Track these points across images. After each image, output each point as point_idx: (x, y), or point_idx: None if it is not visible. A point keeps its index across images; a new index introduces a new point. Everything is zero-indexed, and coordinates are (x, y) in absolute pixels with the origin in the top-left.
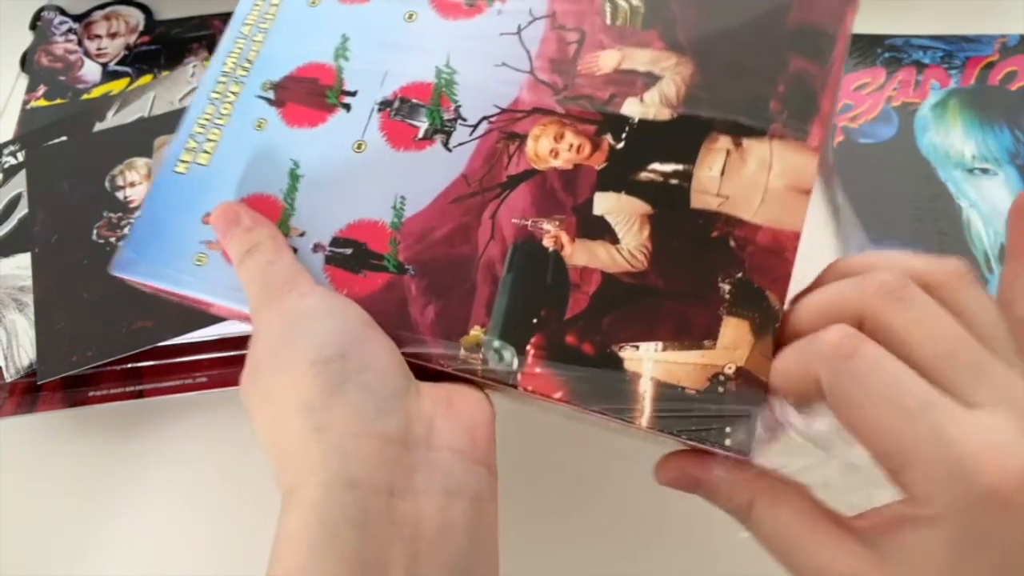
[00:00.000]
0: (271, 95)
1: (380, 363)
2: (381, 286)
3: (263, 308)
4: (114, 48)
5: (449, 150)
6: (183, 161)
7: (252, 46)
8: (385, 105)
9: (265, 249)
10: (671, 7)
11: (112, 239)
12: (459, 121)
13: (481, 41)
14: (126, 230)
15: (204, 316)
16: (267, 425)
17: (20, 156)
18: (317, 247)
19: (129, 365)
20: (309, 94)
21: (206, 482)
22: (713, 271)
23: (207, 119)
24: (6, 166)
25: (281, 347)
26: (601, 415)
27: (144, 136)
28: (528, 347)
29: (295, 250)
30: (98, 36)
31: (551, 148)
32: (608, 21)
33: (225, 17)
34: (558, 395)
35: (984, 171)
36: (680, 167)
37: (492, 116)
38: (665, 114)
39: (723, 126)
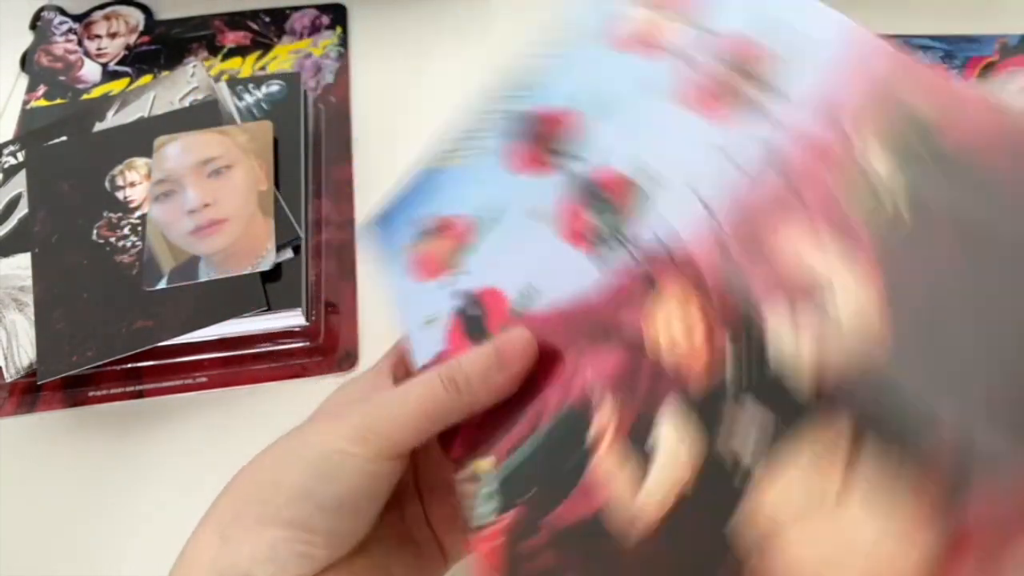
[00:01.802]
0: (515, 126)
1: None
2: None
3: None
4: (114, 48)
5: (598, 266)
6: (440, 157)
7: (528, 75)
8: (578, 182)
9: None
10: (938, 240)
11: (112, 239)
12: (630, 243)
13: (692, 148)
14: (125, 228)
15: (204, 316)
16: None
17: (20, 156)
18: (460, 293)
19: (129, 365)
20: (538, 139)
21: (206, 482)
22: None
23: (469, 132)
24: (6, 166)
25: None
26: None
27: (144, 136)
28: (509, 513)
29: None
30: (98, 36)
31: (668, 330)
32: (844, 203)
33: (225, 17)
34: None
35: None
36: (752, 461)
37: (653, 248)
38: (806, 371)
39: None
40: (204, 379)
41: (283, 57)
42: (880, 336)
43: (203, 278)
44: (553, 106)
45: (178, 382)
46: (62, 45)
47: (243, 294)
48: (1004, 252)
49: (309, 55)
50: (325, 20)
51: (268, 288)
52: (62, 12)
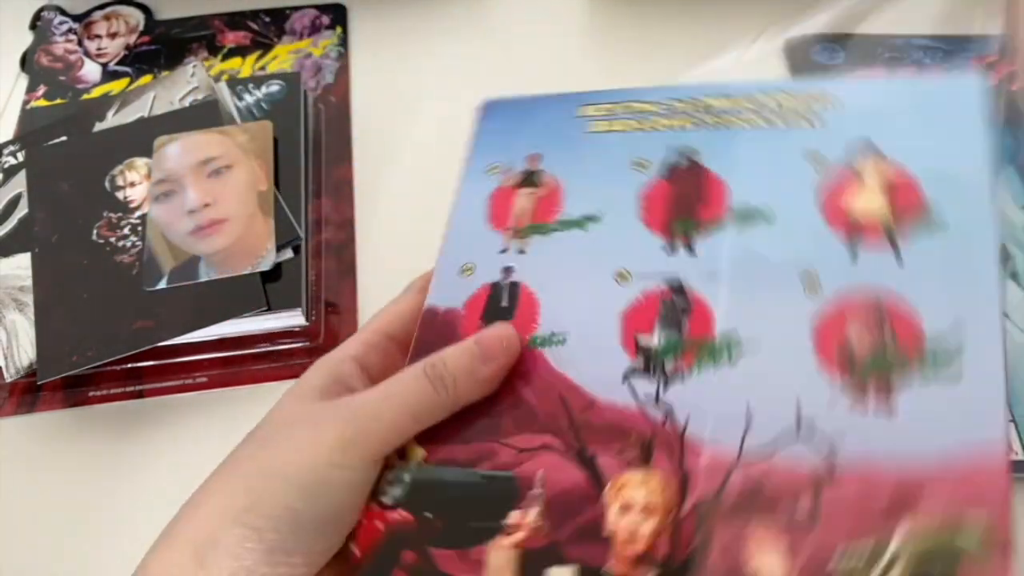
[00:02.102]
0: (678, 161)
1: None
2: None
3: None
4: (114, 48)
5: (622, 380)
6: (598, 108)
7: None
8: (675, 282)
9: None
10: None
11: (112, 239)
12: (664, 389)
13: (786, 384)
14: (125, 228)
15: (204, 316)
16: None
17: (20, 156)
18: (509, 270)
19: (129, 365)
20: (683, 199)
21: None
22: None
23: (643, 115)
24: (6, 166)
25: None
26: None
27: (144, 136)
28: (401, 511)
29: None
30: (98, 36)
31: (631, 497)
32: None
33: (225, 17)
34: (357, 552)
35: None
36: None
37: (673, 419)
38: None
39: None
40: (204, 379)
41: (283, 57)
42: None
43: (203, 278)
44: (721, 173)
45: (178, 382)
46: (62, 45)
47: (243, 294)
48: None
49: (309, 55)
50: (325, 20)
51: (268, 288)
52: (62, 12)
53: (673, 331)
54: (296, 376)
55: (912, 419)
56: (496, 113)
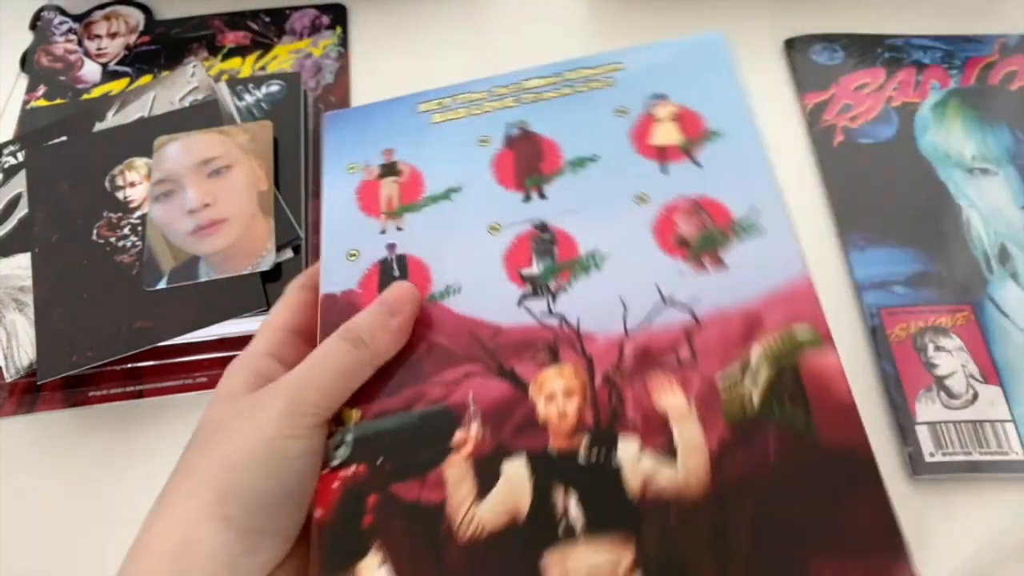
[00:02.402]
0: (515, 134)
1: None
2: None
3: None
4: (114, 48)
5: (518, 303)
6: (434, 103)
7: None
8: (538, 220)
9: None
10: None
11: (112, 239)
12: (554, 300)
13: (641, 267)
14: (125, 228)
15: (204, 316)
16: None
17: (20, 156)
18: (391, 246)
19: (129, 365)
20: (526, 158)
21: None
22: None
23: (474, 102)
24: (6, 166)
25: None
26: None
27: (144, 136)
28: (352, 467)
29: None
30: (98, 36)
31: (552, 388)
32: (719, 382)
33: (225, 17)
34: (318, 515)
35: (984, 171)
36: (574, 521)
37: (569, 319)
38: (638, 477)
39: None
40: (204, 379)
41: (283, 57)
42: (701, 476)
43: (203, 278)
44: (551, 135)
45: (178, 382)
46: (62, 45)
47: (243, 294)
48: None
49: (309, 55)
50: (325, 20)
51: (268, 288)
52: (62, 12)
53: (547, 259)
54: None
55: (740, 270)
56: (339, 122)
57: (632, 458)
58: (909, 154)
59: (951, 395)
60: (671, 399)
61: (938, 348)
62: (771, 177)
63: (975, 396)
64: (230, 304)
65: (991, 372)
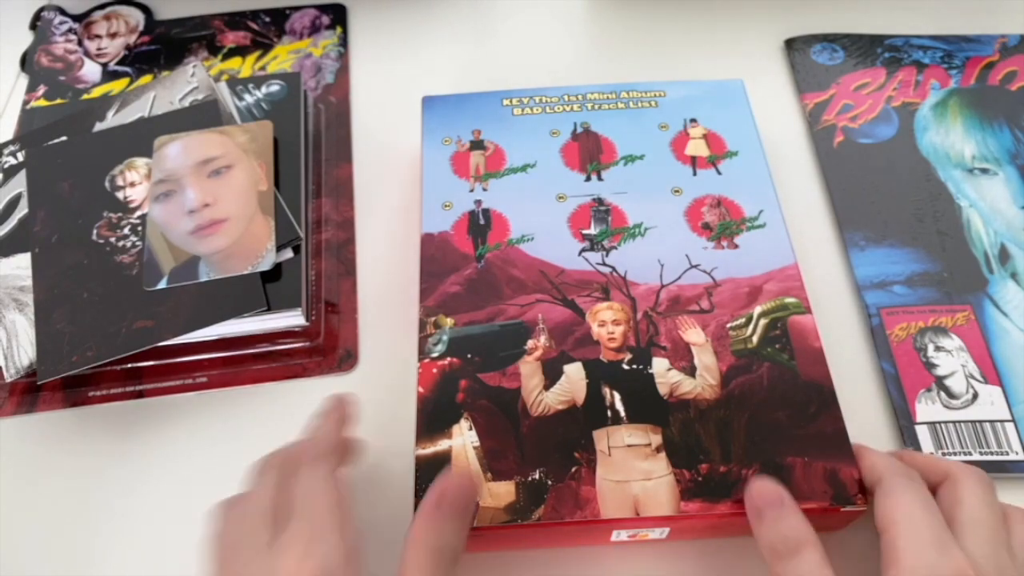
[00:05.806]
0: (579, 131)
1: None
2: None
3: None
4: (114, 48)
5: (578, 253)
6: (512, 100)
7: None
8: (596, 196)
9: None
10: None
11: (112, 239)
12: (607, 255)
13: (675, 242)
14: (125, 228)
15: (204, 316)
16: None
17: (20, 156)
18: (478, 201)
19: (129, 365)
20: (589, 151)
21: (206, 482)
22: None
23: (546, 102)
24: (6, 166)
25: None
26: None
27: (144, 136)
28: (447, 359)
29: None
30: (98, 36)
31: (604, 317)
32: (728, 326)
33: (225, 17)
34: (420, 392)
35: (984, 171)
36: (619, 411)
37: (619, 268)
38: (667, 384)
39: None
40: (204, 379)
41: (283, 57)
42: (714, 388)
43: (203, 278)
44: (608, 135)
45: (178, 382)
46: (62, 45)
47: (243, 294)
48: None
49: (309, 55)
50: (325, 20)
51: (268, 288)
52: (62, 12)
53: (603, 224)
54: (296, 376)
55: (748, 253)
56: (437, 104)
57: (663, 371)
58: (909, 154)
59: (951, 395)
60: (693, 335)
61: (938, 348)
62: (773, 188)
63: (975, 396)
64: (230, 304)
65: (991, 372)
